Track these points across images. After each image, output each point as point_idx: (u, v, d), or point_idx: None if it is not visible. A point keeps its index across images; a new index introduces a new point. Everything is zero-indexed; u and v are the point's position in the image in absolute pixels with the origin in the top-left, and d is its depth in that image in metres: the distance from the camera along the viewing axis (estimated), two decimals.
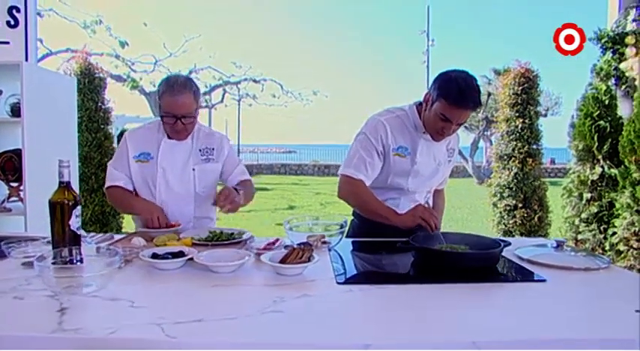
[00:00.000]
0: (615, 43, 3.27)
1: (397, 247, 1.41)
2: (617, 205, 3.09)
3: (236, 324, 0.91)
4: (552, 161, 19.09)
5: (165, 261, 1.25)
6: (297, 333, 0.90)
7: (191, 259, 1.28)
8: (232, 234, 1.59)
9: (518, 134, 4.47)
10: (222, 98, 16.17)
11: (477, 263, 1.34)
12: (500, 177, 4.60)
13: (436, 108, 1.61)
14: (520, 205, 4.45)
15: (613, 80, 3.34)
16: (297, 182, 15.41)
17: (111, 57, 11.05)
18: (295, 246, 1.33)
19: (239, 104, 17.69)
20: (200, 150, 1.85)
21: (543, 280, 1.25)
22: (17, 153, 2.55)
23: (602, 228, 3.24)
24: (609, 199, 3.19)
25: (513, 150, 4.49)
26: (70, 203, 1.22)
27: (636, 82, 3.17)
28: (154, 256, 1.29)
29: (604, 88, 3.24)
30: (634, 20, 3.23)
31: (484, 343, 0.85)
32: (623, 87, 3.30)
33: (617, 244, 3.08)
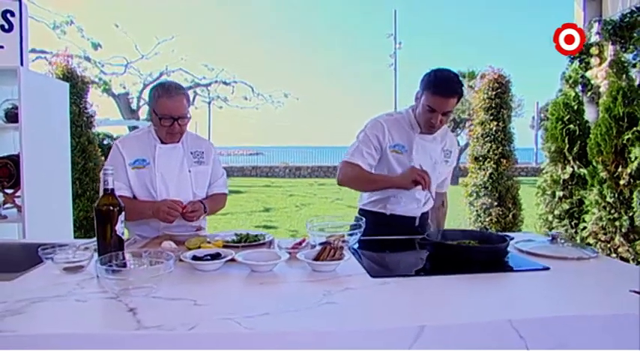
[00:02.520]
0: (582, 53, 3.57)
1: (401, 244, 1.56)
2: (587, 202, 3.37)
3: (300, 315, 1.00)
4: (515, 161, 20.00)
5: (210, 262, 1.32)
6: (355, 320, 1.01)
7: (231, 260, 1.35)
8: (256, 236, 1.67)
9: (492, 136, 4.74)
10: (193, 100, 15.94)
11: (489, 256, 1.49)
12: (476, 177, 4.86)
13: (423, 101, 1.81)
14: (495, 203, 4.73)
15: (580, 87, 3.64)
16: (270, 184, 15.40)
17: (79, 58, 10.68)
18: (327, 245, 1.44)
19: (209, 106, 17.49)
20: (192, 153, 1.93)
21: (547, 269, 1.41)
22: (12, 159, 2.50)
23: (573, 223, 3.52)
24: (579, 197, 3.48)
25: (488, 151, 4.76)
26: (116, 209, 1.26)
27: (601, 90, 3.47)
28: (194, 258, 1.35)
29: (573, 94, 3.52)
30: (597, 33, 3.54)
31: (518, 322, 0.99)
32: (589, 93, 3.60)
33: (586, 237, 3.36)
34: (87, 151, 4.02)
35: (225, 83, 15.54)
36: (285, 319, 0.98)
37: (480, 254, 1.48)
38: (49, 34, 9.79)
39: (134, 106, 13.85)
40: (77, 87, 3.96)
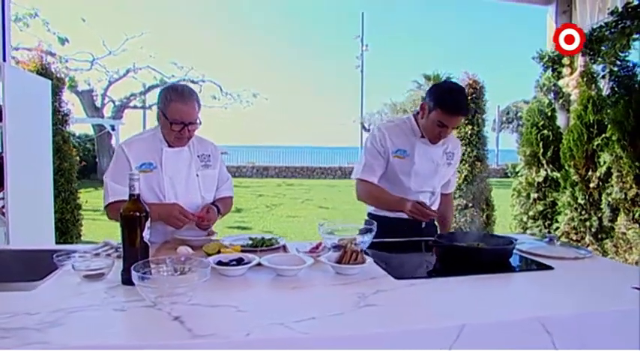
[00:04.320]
0: (554, 62, 3.79)
1: (412, 246, 1.66)
2: (559, 204, 3.59)
3: (345, 318, 1.03)
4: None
5: (238, 268, 1.32)
6: (399, 320, 1.05)
7: (258, 264, 1.36)
8: (270, 240, 1.68)
9: (468, 140, 4.93)
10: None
11: (497, 257, 1.57)
12: None
13: (433, 116, 1.87)
14: (470, 204, 4.92)
15: (552, 95, 3.87)
16: (237, 184, 15.15)
17: (42, 53, 10.13)
18: (344, 248, 1.47)
19: None
20: (198, 156, 1.91)
21: (551, 268, 1.51)
22: None
23: (546, 224, 3.73)
24: (552, 199, 3.69)
25: (464, 154, 4.95)
26: (143, 215, 1.24)
27: (571, 98, 3.71)
28: (219, 263, 1.35)
29: (547, 101, 3.74)
30: None
31: (547, 318, 1.06)
32: (561, 101, 3.83)
33: (559, 237, 3.57)
34: (62, 150, 3.84)
35: (192, 82, 15.23)
36: (333, 323, 1.00)
37: (490, 256, 1.56)
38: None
39: (98, 103, 13.29)
40: (52, 84, 3.77)
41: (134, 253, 1.23)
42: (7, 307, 1.03)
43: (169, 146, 1.83)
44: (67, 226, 3.92)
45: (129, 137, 1.92)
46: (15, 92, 2.37)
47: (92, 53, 12.29)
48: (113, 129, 13.13)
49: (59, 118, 3.85)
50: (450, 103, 1.83)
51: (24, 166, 2.47)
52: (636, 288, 1.28)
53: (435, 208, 2.07)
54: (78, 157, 4.22)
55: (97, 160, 13.53)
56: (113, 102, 13.78)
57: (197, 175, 1.88)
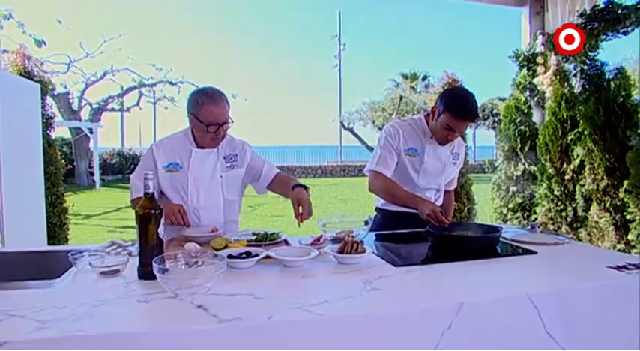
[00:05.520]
0: (529, 61, 3.98)
1: (411, 237, 1.76)
2: (537, 196, 3.78)
3: (355, 301, 1.13)
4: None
5: (248, 260, 1.40)
6: (404, 300, 1.15)
7: (265, 256, 1.44)
8: (273, 234, 1.76)
9: None
10: (138, 101, 15.29)
11: (486, 244, 1.70)
12: None
13: (442, 120, 1.97)
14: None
15: (528, 92, 4.06)
16: None
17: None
18: (344, 240, 1.57)
19: (155, 107, 16.84)
20: (224, 157, 1.96)
21: (535, 252, 1.64)
22: None
23: (525, 215, 3.92)
24: (530, 192, 3.88)
25: None
26: (157, 212, 1.30)
27: (546, 95, 3.90)
28: (230, 256, 1.42)
29: (523, 98, 3.93)
30: (542, 44, 3.97)
31: (534, 294, 1.19)
32: (536, 98, 4.03)
33: None
34: (47, 154, 3.79)
35: (171, 83, 15.06)
36: (345, 304, 1.10)
37: (479, 243, 1.69)
38: None
39: (75, 106, 13.00)
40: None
41: (150, 249, 1.29)
42: (35, 302, 1.08)
43: (199, 147, 1.89)
44: (54, 231, 3.88)
45: (163, 138, 1.99)
46: (6, 96, 2.37)
47: (69, 55, 12.04)
48: (91, 132, 12.87)
49: (44, 122, 3.81)
50: (458, 109, 1.93)
51: (16, 171, 2.47)
52: (610, 267, 1.42)
53: (438, 203, 2.19)
54: (63, 161, 4.18)
55: (74, 163, 13.24)
56: (90, 105, 13.52)
57: (221, 177, 1.93)
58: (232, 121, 1.85)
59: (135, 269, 1.31)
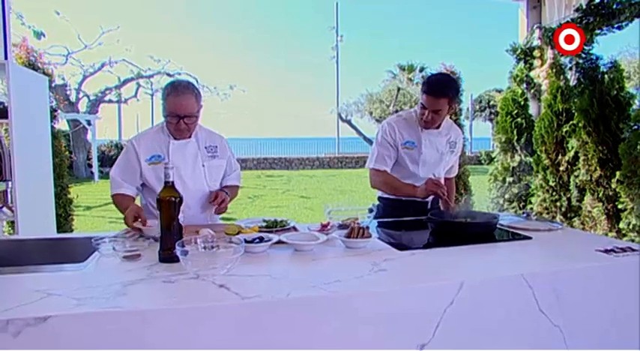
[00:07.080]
0: (526, 55, 4.06)
1: (413, 224, 1.85)
2: (533, 187, 3.89)
3: (365, 280, 1.22)
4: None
5: (262, 244, 1.49)
6: (410, 280, 1.25)
7: (278, 241, 1.53)
8: (282, 221, 1.85)
9: None
10: (136, 93, 15.27)
11: (484, 230, 1.80)
12: None
13: (420, 101, 2.09)
14: None
15: (524, 85, 4.14)
16: None
17: (14, 47, 9.80)
18: (350, 226, 1.66)
19: (152, 99, 16.82)
20: (205, 147, 2.02)
21: (530, 238, 1.74)
22: None
23: (521, 205, 4.03)
24: (526, 182, 3.99)
25: None
26: (177, 200, 1.39)
27: (542, 88, 3.99)
28: (245, 241, 1.51)
29: (520, 91, 4.01)
30: (538, 38, 4.04)
31: (529, 275, 1.28)
32: (532, 90, 4.12)
33: None
34: (53, 146, 3.87)
35: (168, 75, 15.02)
36: (355, 284, 1.19)
37: (477, 228, 1.78)
38: None
39: (73, 98, 12.97)
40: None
41: (171, 234, 1.38)
42: (68, 283, 1.17)
43: (175, 139, 1.94)
44: (59, 221, 3.96)
45: (141, 132, 2.04)
46: (18, 89, 2.43)
47: (67, 47, 11.97)
48: (89, 124, 12.86)
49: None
50: (428, 85, 2.05)
51: (28, 163, 2.54)
52: (600, 251, 1.52)
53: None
54: (68, 153, 4.25)
55: (72, 155, 13.23)
56: (88, 96, 13.48)
57: (203, 166, 2.00)
58: (197, 116, 1.87)
59: (155, 253, 1.40)
